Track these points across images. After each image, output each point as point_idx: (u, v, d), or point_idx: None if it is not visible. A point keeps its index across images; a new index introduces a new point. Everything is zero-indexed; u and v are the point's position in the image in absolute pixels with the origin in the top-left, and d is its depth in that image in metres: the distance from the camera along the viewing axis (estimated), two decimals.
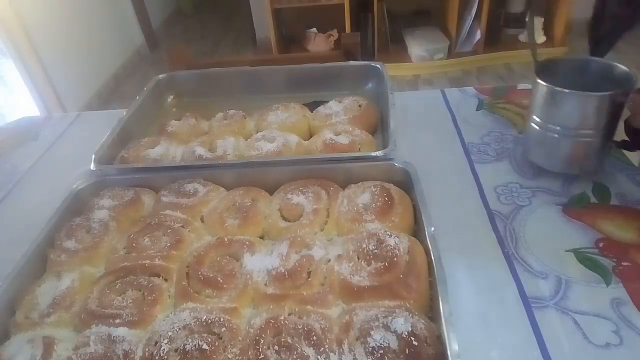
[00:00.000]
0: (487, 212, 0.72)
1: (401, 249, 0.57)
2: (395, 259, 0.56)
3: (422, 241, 0.60)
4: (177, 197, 0.72)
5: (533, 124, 0.74)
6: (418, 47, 3.17)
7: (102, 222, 0.69)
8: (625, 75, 0.70)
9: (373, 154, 0.74)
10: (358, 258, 0.58)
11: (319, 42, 3.33)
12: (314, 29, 3.38)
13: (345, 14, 3.04)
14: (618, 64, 0.73)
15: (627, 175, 0.76)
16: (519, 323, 0.56)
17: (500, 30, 3.18)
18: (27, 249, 0.65)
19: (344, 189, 0.71)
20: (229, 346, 0.51)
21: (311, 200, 0.68)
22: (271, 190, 0.74)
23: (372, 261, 0.57)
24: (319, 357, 0.48)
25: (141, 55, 3.83)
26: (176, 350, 0.50)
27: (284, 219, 0.68)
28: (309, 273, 0.58)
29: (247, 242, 0.63)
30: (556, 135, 0.71)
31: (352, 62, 1.08)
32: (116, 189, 0.75)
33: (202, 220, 0.71)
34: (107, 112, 1.23)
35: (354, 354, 0.48)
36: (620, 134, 0.73)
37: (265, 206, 0.70)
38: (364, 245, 0.58)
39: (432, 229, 0.59)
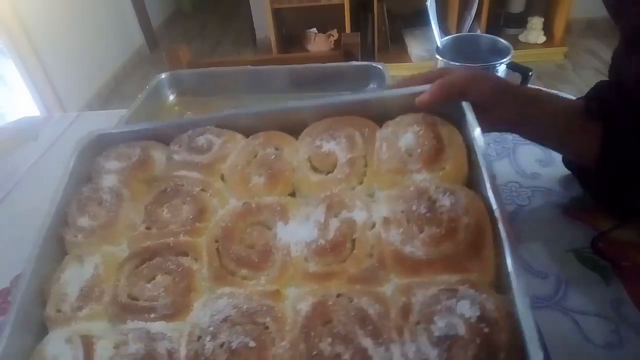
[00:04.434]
0: None
1: (459, 209, 0.48)
2: (453, 223, 0.47)
3: (480, 192, 0.50)
4: (190, 153, 0.64)
5: None
6: (418, 47, 3.17)
7: (112, 191, 0.62)
8: (505, 48, 0.86)
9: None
10: (408, 222, 0.49)
11: (319, 42, 3.32)
12: (314, 29, 3.36)
13: (345, 14, 3.05)
14: (500, 39, 0.89)
15: None
16: None
17: (500, 30, 3.17)
18: (40, 231, 0.60)
19: (380, 127, 0.61)
20: (277, 338, 0.46)
21: (344, 146, 0.59)
22: (296, 133, 0.64)
23: (425, 226, 0.48)
24: (378, 348, 0.43)
25: (141, 55, 3.83)
26: (222, 347, 0.46)
27: (314, 169, 0.60)
28: (353, 241, 0.51)
29: (278, 208, 0.55)
30: None
31: (353, 63, 1.08)
32: (121, 147, 0.67)
33: (222, 178, 0.63)
34: (107, 112, 1.24)
35: (417, 344, 0.42)
36: None
37: (292, 156, 0.61)
38: (414, 207, 0.49)
39: (494, 175, 0.49)
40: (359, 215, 0.52)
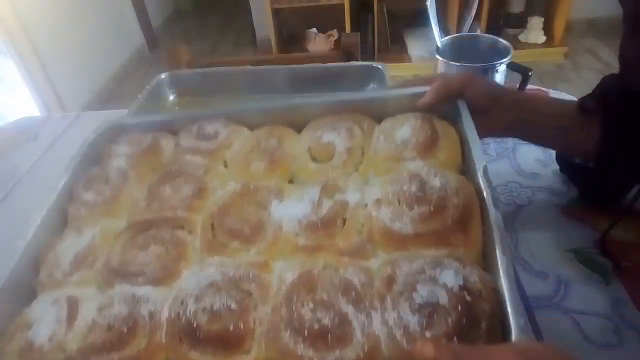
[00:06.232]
0: None
1: (448, 190, 0.49)
2: (443, 202, 0.48)
3: (472, 180, 0.52)
4: (198, 140, 0.66)
5: None
6: (418, 47, 3.17)
7: (120, 171, 0.65)
8: (505, 48, 0.86)
9: None
10: (399, 202, 0.51)
11: (319, 42, 3.33)
12: (314, 29, 3.38)
13: (345, 14, 3.04)
14: (500, 39, 0.89)
15: None
16: None
17: (500, 30, 3.18)
18: (45, 205, 0.61)
19: (379, 123, 0.63)
20: (260, 304, 0.46)
21: (344, 137, 0.61)
22: (299, 129, 0.67)
23: (416, 205, 0.49)
24: (359, 314, 0.43)
25: (141, 55, 3.83)
26: (204, 310, 0.45)
27: (314, 160, 0.62)
28: (344, 220, 0.52)
29: (275, 189, 0.57)
30: None
31: (353, 63, 1.08)
32: (133, 135, 0.70)
33: (225, 165, 0.65)
34: (107, 112, 1.23)
35: (398, 311, 0.42)
36: None
37: (293, 147, 0.64)
38: (405, 188, 0.51)
39: (485, 163, 0.51)
40: (352, 197, 0.54)
